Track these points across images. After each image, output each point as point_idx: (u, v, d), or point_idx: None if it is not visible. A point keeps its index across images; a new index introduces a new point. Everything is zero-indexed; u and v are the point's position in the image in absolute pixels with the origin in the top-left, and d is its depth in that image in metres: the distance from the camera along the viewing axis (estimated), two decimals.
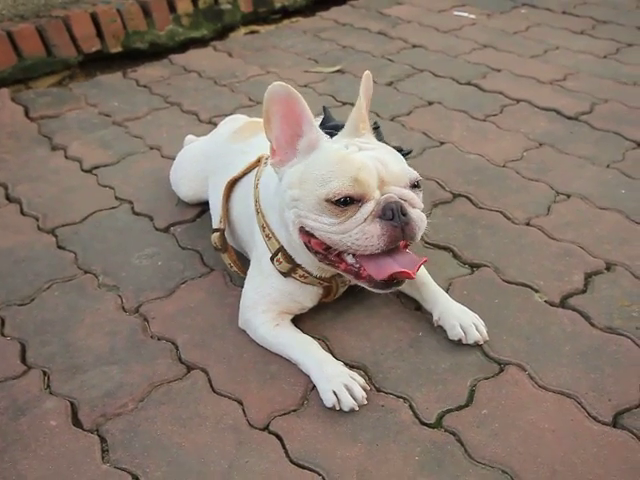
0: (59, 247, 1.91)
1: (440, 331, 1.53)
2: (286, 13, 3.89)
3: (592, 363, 1.43)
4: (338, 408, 1.34)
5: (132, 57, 3.29)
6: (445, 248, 1.83)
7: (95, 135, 2.55)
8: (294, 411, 1.36)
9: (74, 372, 1.48)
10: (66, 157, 2.40)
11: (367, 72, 1.43)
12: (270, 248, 1.49)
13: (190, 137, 2.27)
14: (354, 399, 1.34)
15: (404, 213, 1.27)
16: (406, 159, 1.43)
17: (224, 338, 1.56)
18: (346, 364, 1.43)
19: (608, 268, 1.73)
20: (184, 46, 3.44)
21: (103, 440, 1.32)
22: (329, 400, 1.34)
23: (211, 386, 1.43)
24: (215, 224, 1.75)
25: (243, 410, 1.37)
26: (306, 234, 1.35)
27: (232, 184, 1.68)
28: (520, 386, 1.39)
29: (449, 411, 1.34)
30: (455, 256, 1.80)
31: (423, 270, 1.62)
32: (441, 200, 2.04)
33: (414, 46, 3.31)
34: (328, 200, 1.28)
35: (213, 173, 1.86)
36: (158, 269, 1.80)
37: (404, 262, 1.29)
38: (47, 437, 1.32)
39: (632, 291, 1.64)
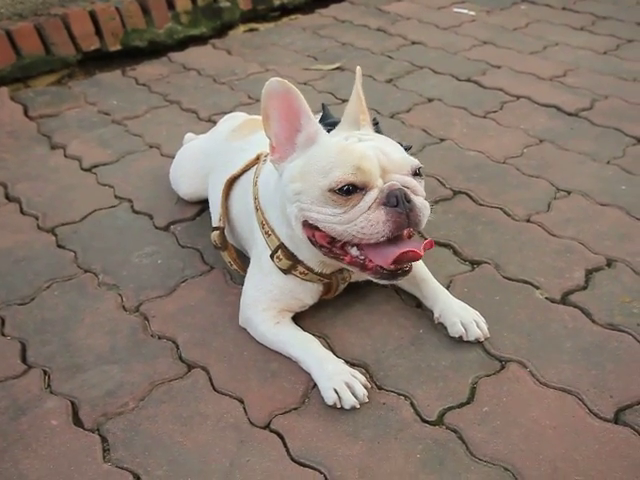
0: (59, 246, 1.91)
1: (441, 328, 1.53)
2: (285, 10, 3.88)
3: (593, 360, 1.43)
4: (339, 406, 1.34)
5: (131, 55, 3.28)
6: (445, 245, 1.83)
7: (94, 134, 2.55)
8: (295, 409, 1.36)
9: (75, 371, 1.48)
10: (65, 156, 2.40)
11: (358, 67, 1.48)
12: (270, 245, 1.49)
13: (190, 135, 2.27)
14: (355, 397, 1.33)
15: (408, 200, 1.27)
16: None
17: (224, 336, 1.56)
18: (347, 362, 1.43)
19: (609, 264, 1.72)
20: (183, 44, 3.44)
21: (104, 439, 1.31)
22: (330, 398, 1.34)
23: (212, 385, 1.43)
24: (215, 222, 1.75)
25: (244, 408, 1.36)
26: (310, 228, 1.34)
27: (231, 182, 1.68)
28: (521, 383, 1.39)
29: (450, 408, 1.34)
30: (455, 253, 1.80)
31: (423, 267, 1.62)
32: (441, 197, 2.03)
33: (413, 43, 3.30)
34: (331, 190, 1.27)
35: (213, 171, 1.86)
36: (158, 268, 1.80)
37: (408, 247, 1.28)
38: (48, 437, 1.32)
39: (633, 287, 1.64)
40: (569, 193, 2.04)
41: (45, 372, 1.48)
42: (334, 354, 1.45)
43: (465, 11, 3.73)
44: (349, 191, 1.27)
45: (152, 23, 3.32)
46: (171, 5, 3.39)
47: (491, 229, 1.88)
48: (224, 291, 1.70)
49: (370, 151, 1.30)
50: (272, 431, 1.31)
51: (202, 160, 1.95)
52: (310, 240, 1.37)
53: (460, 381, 1.40)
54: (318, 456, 1.25)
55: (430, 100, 2.69)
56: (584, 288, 1.65)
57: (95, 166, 2.32)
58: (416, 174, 1.35)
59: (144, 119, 2.65)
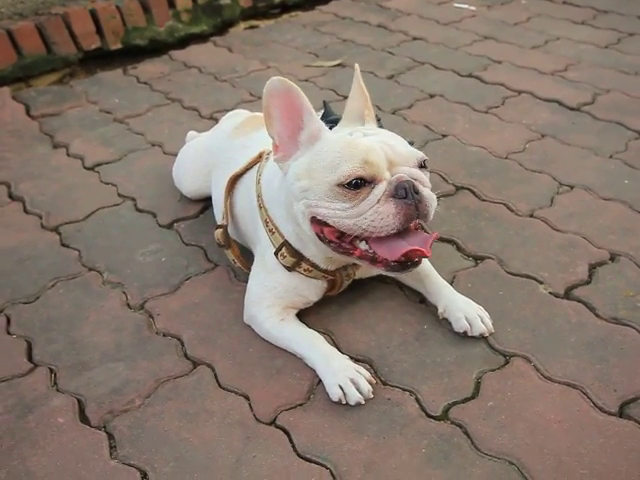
0: (63, 245, 1.92)
1: (445, 324, 1.53)
2: (285, 7, 3.88)
3: (597, 354, 1.43)
4: (344, 402, 1.34)
5: (132, 54, 3.28)
6: (449, 241, 1.83)
7: (96, 132, 2.55)
8: (300, 405, 1.36)
9: (80, 369, 1.48)
10: (68, 155, 2.40)
11: (356, 65, 1.49)
12: (274, 242, 1.49)
13: (192, 133, 2.27)
14: (360, 393, 1.34)
15: (416, 191, 1.27)
16: None
17: (229, 333, 1.56)
18: (351, 358, 1.44)
19: (612, 258, 1.72)
20: (184, 42, 3.44)
21: (111, 436, 1.32)
22: (335, 394, 1.34)
23: (217, 381, 1.43)
24: (218, 219, 1.75)
25: (250, 405, 1.37)
26: (318, 224, 1.34)
27: (234, 180, 1.68)
28: (526, 378, 1.39)
29: (455, 403, 1.34)
30: (459, 249, 1.80)
31: (427, 263, 1.62)
32: (444, 193, 2.04)
33: (414, 39, 3.29)
34: (340, 184, 1.28)
35: (216, 168, 1.86)
36: (162, 265, 1.80)
37: (416, 241, 1.28)
38: (55, 434, 1.33)
39: (637, 281, 1.64)
40: (572, 188, 2.04)
41: (51, 370, 1.49)
42: (339, 350, 1.46)
43: (466, 6, 3.72)
44: (358, 185, 1.27)
45: (153, 21, 3.32)
46: (172, 3, 3.39)
47: (494, 224, 1.89)
48: (228, 288, 1.71)
49: (376, 144, 1.30)
50: (278, 427, 1.32)
51: (205, 158, 1.95)
52: (318, 236, 1.37)
53: (465, 376, 1.40)
54: (324, 452, 1.26)
55: (432, 96, 2.69)
56: (588, 282, 1.65)
57: (98, 165, 2.32)
58: (422, 166, 1.36)
59: (146, 117, 2.66)
